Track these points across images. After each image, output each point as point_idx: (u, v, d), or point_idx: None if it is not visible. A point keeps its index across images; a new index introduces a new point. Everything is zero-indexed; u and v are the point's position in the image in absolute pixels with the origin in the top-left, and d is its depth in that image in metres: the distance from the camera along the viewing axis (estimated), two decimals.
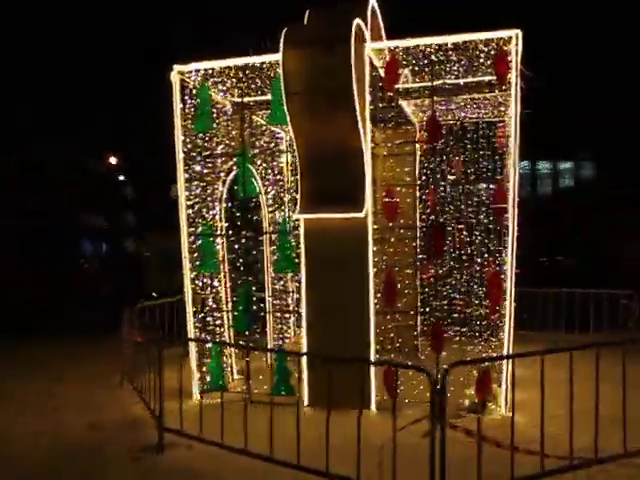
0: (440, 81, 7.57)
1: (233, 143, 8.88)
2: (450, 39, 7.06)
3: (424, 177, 11.00)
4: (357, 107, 6.86)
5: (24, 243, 23.97)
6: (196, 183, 7.92)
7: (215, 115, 8.38)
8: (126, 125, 27.73)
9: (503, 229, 7.07)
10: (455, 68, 7.52)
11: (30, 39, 25.08)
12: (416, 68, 7.70)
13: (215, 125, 7.93)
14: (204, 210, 8.09)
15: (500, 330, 7.69)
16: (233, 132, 8.74)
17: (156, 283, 17.27)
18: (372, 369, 7.33)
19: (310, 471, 4.78)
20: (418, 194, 10.79)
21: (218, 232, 8.09)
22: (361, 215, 7.07)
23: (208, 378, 7.97)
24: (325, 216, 7.20)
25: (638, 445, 5.02)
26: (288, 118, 7.09)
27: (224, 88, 8.33)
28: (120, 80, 25.24)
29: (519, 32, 6.91)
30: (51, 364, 10.22)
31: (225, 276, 8.48)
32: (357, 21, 7.00)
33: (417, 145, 10.64)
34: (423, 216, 10.84)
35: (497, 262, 8.02)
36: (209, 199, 8.24)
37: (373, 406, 7.37)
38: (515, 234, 6.93)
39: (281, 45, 6.95)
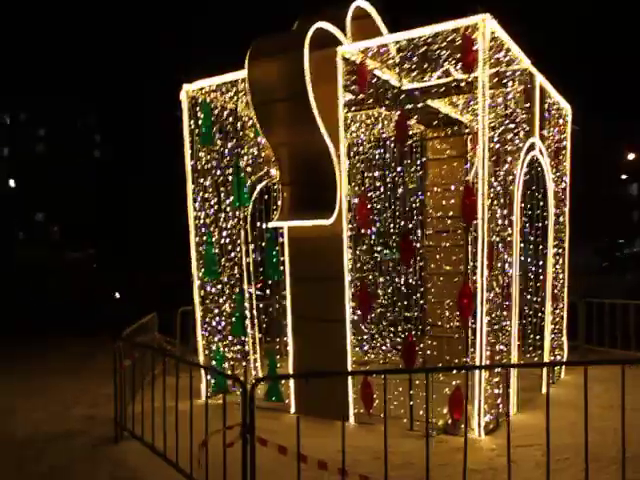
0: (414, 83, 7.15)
1: (263, 154, 9.20)
2: (415, 33, 6.68)
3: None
4: (316, 113, 6.79)
5: None
6: (207, 195, 8.37)
7: (240, 128, 8.77)
8: None
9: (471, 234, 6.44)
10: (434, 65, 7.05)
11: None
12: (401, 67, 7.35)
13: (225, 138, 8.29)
14: (216, 221, 8.48)
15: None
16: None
17: None
18: (350, 382, 7.15)
19: None
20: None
21: (223, 241, 8.42)
22: (328, 222, 6.96)
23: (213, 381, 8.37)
24: (295, 223, 7.22)
25: None
26: (259, 129, 7.25)
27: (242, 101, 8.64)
28: None
29: (486, 16, 6.31)
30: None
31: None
32: (320, 25, 6.93)
33: (469, 146, 10.02)
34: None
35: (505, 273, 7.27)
36: (228, 209, 8.61)
37: (352, 419, 7.17)
38: (485, 241, 6.30)
39: (246, 59, 7.14)
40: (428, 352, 7.32)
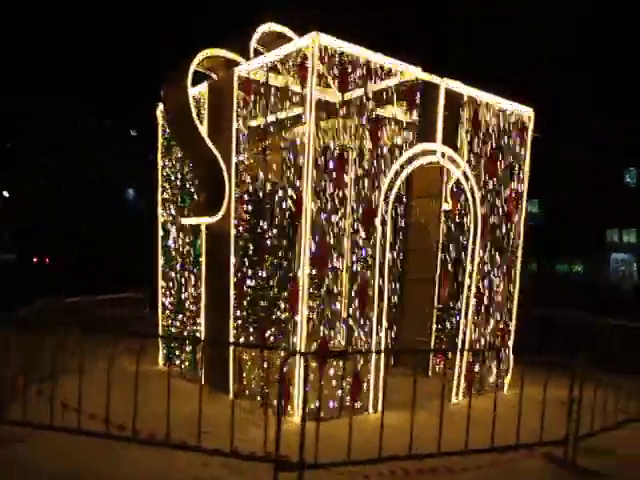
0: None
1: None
2: (270, 57, 7.57)
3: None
4: (199, 127, 8.00)
5: None
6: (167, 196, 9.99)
7: None
8: None
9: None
10: None
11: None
12: None
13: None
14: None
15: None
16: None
17: None
18: (230, 360, 8.16)
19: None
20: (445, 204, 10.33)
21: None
22: (212, 220, 8.11)
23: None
24: (190, 221, 8.52)
25: None
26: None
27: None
28: None
29: (315, 35, 6.93)
30: None
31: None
32: (211, 53, 8.13)
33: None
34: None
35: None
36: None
37: (231, 394, 8.14)
38: (309, 237, 6.91)
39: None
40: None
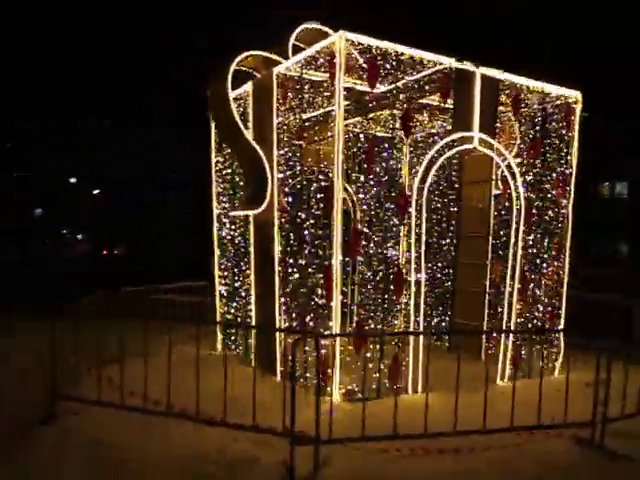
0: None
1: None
2: (303, 55, 7.88)
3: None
4: (242, 129, 8.45)
5: None
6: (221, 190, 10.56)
7: None
8: None
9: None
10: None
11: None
12: None
13: None
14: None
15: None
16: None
17: None
18: (277, 342, 8.61)
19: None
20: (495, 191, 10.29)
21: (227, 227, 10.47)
22: (255, 212, 8.57)
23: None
24: (235, 213, 9.01)
25: None
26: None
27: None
28: None
29: (343, 34, 7.18)
30: None
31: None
32: (248, 54, 8.55)
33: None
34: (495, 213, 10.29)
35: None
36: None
37: (278, 375, 8.60)
38: (340, 226, 7.19)
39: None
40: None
